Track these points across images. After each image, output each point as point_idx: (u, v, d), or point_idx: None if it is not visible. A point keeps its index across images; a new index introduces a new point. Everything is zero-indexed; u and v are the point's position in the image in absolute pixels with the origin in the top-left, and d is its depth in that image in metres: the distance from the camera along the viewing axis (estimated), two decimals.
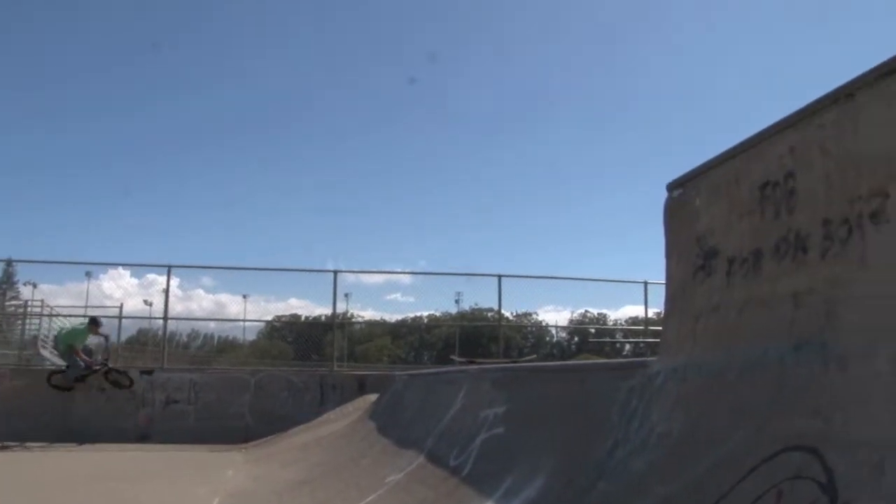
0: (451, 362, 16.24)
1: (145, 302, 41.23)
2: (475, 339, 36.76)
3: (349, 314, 17.52)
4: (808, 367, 2.77)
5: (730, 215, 3.59)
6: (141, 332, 31.21)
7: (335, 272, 16.44)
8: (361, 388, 14.71)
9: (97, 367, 14.23)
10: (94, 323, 14.75)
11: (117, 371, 14.45)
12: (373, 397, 13.19)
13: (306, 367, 17.79)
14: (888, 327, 2.50)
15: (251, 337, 37.91)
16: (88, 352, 14.76)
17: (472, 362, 10.39)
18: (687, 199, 4.05)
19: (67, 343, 14.42)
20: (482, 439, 5.98)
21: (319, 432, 12.10)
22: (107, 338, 15.16)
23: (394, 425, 9.30)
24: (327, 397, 14.65)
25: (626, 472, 3.69)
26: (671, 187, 4.22)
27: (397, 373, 13.32)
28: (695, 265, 3.86)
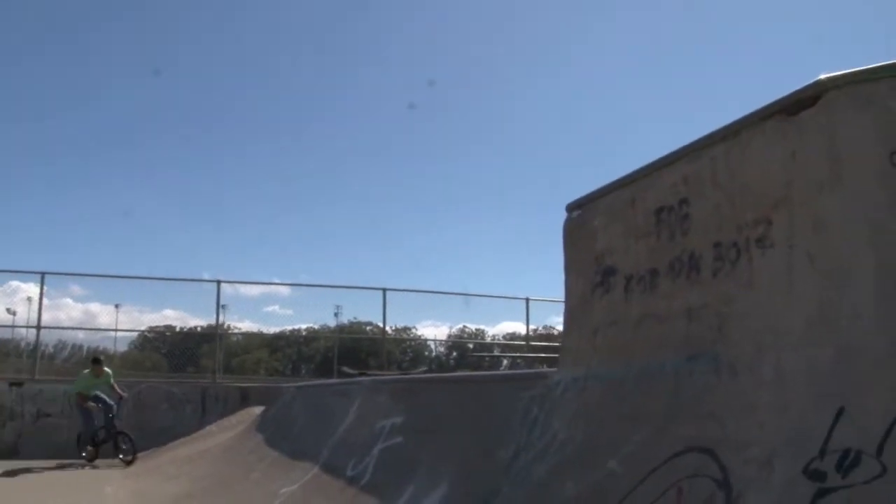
0: (332, 375, 16.20)
1: (8, 310, 38.81)
2: (354, 352, 36.63)
3: (226, 326, 17.16)
4: (702, 377, 3.07)
5: (627, 236, 3.89)
6: (1, 342, 29.39)
7: (218, 282, 16.13)
8: (244, 400, 14.50)
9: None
10: (95, 362, 13.33)
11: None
12: (257, 409, 13.03)
13: (187, 379, 17.34)
14: (772, 341, 2.82)
15: (123, 348, 36.37)
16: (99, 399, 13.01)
17: (363, 374, 10.47)
18: (586, 220, 4.33)
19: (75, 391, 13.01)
20: (380, 449, 6.09)
21: (203, 445, 11.85)
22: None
23: (284, 437, 9.25)
24: (209, 409, 14.36)
25: (530, 477, 3.90)
26: (570, 208, 4.50)
27: (284, 385, 13.21)
28: (593, 282, 4.13)
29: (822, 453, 2.38)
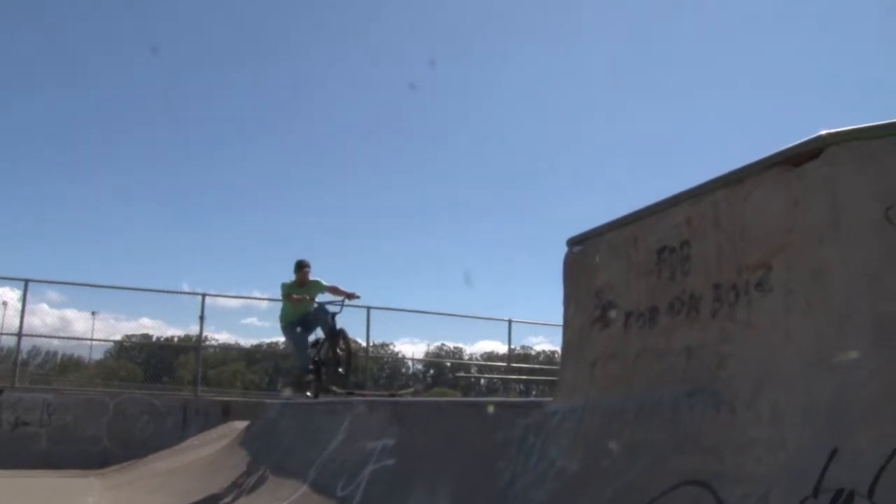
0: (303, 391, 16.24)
1: None
2: None
3: (204, 337, 17.13)
4: (701, 411, 3.20)
5: (628, 273, 4.03)
6: None
7: (203, 295, 16.11)
8: (226, 413, 14.48)
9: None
10: (299, 268, 10.94)
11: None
12: (240, 424, 13.01)
13: (165, 390, 17.28)
14: (769, 380, 2.97)
15: (98, 356, 36.08)
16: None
17: (351, 394, 10.52)
18: (587, 255, 4.47)
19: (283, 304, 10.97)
20: (371, 470, 6.15)
21: (185, 458, 11.82)
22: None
23: (270, 454, 9.28)
24: (190, 422, 14.32)
25: (527, 502, 4.01)
26: (571, 243, 4.64)
27: (268, 400, 13.23)
28: (593, 316, 4.26)
29: (816, 491, 2.51)
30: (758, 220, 3.23)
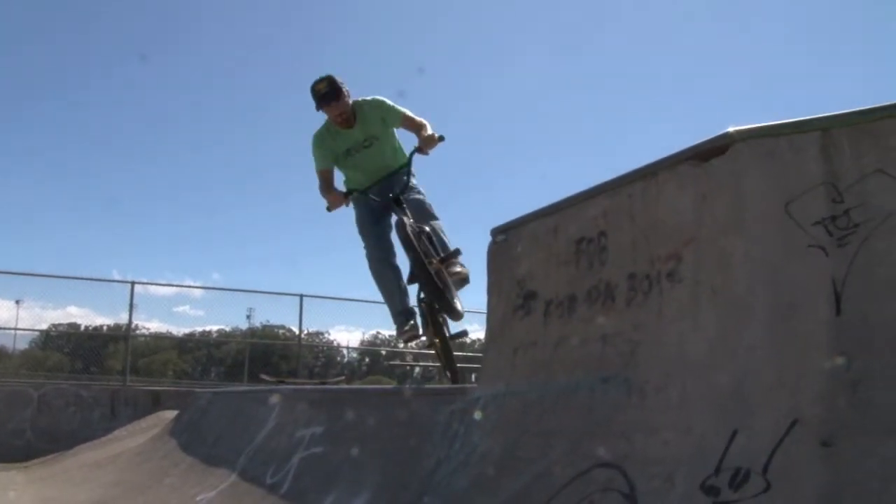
0: (243, 378, 16.08)
1: None
2: (266, 356, 36.32)
3: (135, 326, 16.86)
4: (614, 397, 3.33)
5: (548, 263, 4.14)
6: None
7: (132, 283, 15.82)
8: (156, 403, 14.26)
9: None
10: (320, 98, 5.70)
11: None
12: (170, 414, 12.84)
13: (94, 381, 16.92)
14: (677, 367, 3.11)
15: (23, 346, 35.03)
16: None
17: (282, 382, 10.50)
18: (510, 244, 4.57)
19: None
20: (300, 458, 6.18)
21: (112, 449, 11.62)
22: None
23: (199, 443, 9.21)
24: (119, 413, 14.05)
25: (450, 488, 4.10)
26: (495, 232, 4.73)
27: (199, 389, 13.09)
28: (515, 304, 4.37)
29: (717, 471, 2.66)
30: (669, 213, 3.37)
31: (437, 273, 5.64)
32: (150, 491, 8.17)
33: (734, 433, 2.72)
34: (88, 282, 16.57)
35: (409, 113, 5.76)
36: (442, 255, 5.80)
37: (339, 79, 5.48)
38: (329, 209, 5.74)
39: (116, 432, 13.31)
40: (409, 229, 5.53)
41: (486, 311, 4.80)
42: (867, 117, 2.87)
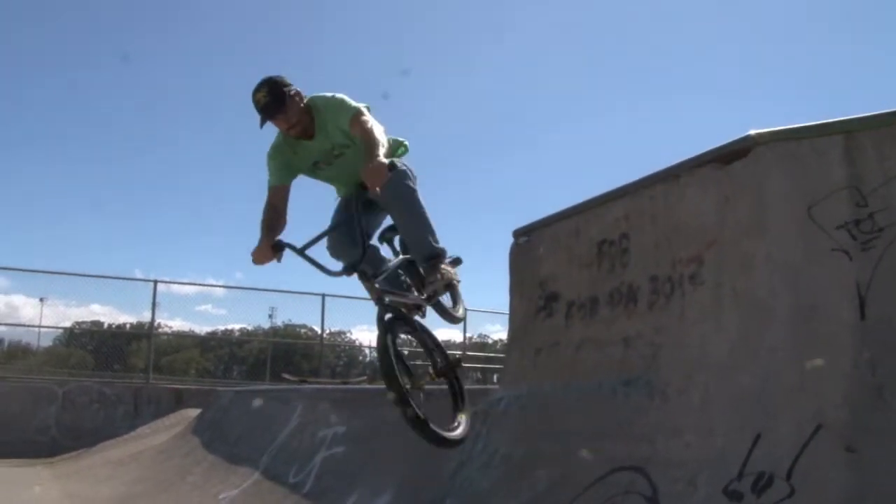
0: (265, 377, 16.13)
1: None
2: (288, 356, 36.43)
3: (157, 324, 16.99)
4: (636, 399, 3.34)
5: (570, 265, 4.15)
6: None
7: (155, 282, 15.93)
8: (179, 402, 14.36)
9: None
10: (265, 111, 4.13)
11: None
12: (192, 412, 12.94)
13: (117, 378, 17.07)
14: (699, 370, 3.11)
15: (47, 343, 35.37)
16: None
17: (304, 381, 10.54)
18: (532, 246, 4.59)
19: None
20: (323, 457, 6.22)
21: (135, 447, 11.72)
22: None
23: (222, 441, 9.28)
24: (142, 411, 14.14)
25: (472, 489, 4.12)
26: (517, 234, 4.75)
27: (221, 388, 13.18)
28: (537, 305, 4.38)
29: (741, 475, 2.67)
30: (691, 215, 3.37)
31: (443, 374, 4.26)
32: (172, 488, 8.25)
33: (757, 437, 2.72)
34: (111, 280, 16.68)
35: (363, 115, 4.09)
36: (442, 362, 4.28)
37: (282, 80, 4.21)
38: (254, 260, 4.12)
39: (139, 430, 13.42)
40: (389, 349, 3.67)
41: (507, 311, 4.82)
42: (891, 120, 2.87)
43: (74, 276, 16.24)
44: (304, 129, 4.27)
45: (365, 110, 4.12)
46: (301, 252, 4.03)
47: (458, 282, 4.22)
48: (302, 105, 4.20)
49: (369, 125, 3.96)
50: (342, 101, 4.22)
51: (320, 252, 4.19)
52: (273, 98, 4.11)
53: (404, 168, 4.13)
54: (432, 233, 4.14)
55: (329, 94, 4.29)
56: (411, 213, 4.13)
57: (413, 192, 4.14)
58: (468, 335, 20.56)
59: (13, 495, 8.99)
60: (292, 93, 4.18)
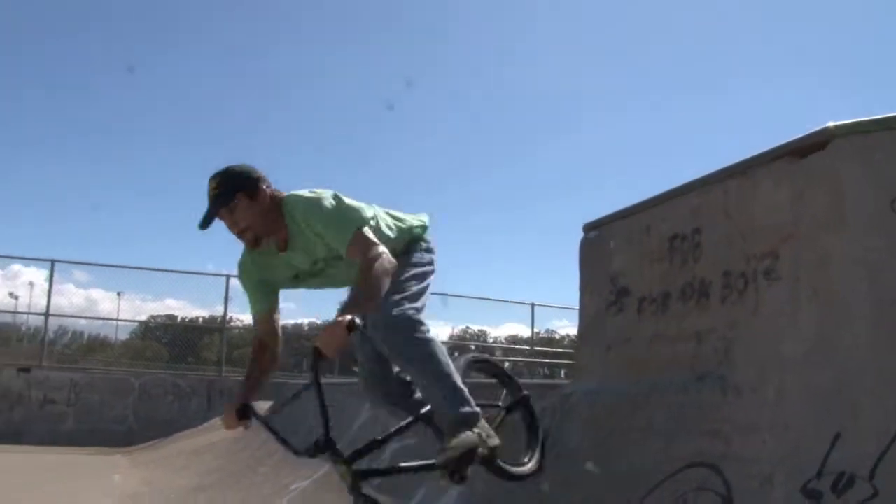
0: (334, 370, 16.35)
1: (11, 295, 39.24)
2: None
3: (230, 318, 17.40)
4: (709, 395, 3.30)
5: (641, 260, 4.12)
6: (2, 326, 29.52)
7: (227, 276, 16.30)
8: None
9: None
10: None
11: None
12: (264, 404, 13.22)
13: (190, 370, 17.56)
14: (774, 365, 3.06)
15: (124, 336, 36.58)
16: None
17: None
18: (602, 241, 4.57)
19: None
20: (393, 449, 6.30)
21: (210, 437, 12.05)
22: None
23: (293, 433, 9.43)
24: (215, 403, 14.52)
25: (540, 484, 4.13)
26: (587, 228, 4.73)
27: (292, 381, 13.42)
28: (608, 300, 4.37)
29: (820, 474, 2.62)
30: (765, 210, 3.31)
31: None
32: (245, 479, 8.45)
33: (837, 435, 2.67)
34: (185, 275, 17.15)
35: (366, 238, 3.18)
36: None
37: (243, 170, 3.30)
38: (223, 425, 3.62)
39: (212, 421, 13.76)
40: None
41: (574, 306, 4.81)
42: None
43: (150, 271, 16.77)
44: (254, 239, 3.30)
45: (367, 228, 3.22)
46: (266, 424, 3.63)
47: (493, 448, 3.51)
48: (263, 203, 3.25)
49: (372, 261, 3.07)
50: (321, 208, 3.22)
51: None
52: (222, 190, 3.20)
53: (401, 311, 3.35)
54: (451, 389, 3.48)
55: (305, 196, 3.28)
56: (419, 371, 3.50)
57: (415, 344, 3.35)
58: (535, 330, 20.48)
59: (96, 483, 9.33)
60: (254, 187, 3.24)
